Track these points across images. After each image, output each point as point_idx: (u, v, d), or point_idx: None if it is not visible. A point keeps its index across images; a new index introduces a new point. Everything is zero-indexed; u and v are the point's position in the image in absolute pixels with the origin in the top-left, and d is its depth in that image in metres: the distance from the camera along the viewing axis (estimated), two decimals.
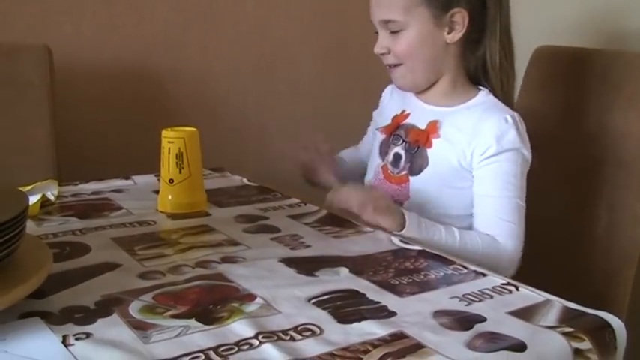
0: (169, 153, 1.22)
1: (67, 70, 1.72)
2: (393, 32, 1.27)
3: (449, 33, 1.26)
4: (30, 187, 1.28)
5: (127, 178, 1.47)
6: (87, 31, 1.81)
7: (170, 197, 1.24)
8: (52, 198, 1.28)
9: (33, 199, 1.21)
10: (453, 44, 1.28)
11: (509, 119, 1.24)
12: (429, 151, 1.29)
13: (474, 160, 1.25)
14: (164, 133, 1.24)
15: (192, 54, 1.98)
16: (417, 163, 1.30)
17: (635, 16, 1.74)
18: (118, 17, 1.85)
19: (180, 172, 1.23)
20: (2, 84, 1.57)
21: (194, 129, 1.26)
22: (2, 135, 1.56)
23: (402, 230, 1.15)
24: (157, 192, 1.37)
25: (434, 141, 1.29)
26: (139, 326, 0.77)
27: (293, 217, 1.23)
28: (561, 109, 1.57)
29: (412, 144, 1.31)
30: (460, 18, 1.25)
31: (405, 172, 1.32)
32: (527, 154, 1.25)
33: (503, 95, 1.29)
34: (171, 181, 1.23)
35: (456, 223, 1.24)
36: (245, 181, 1.50)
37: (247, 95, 2.09)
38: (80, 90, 1.82)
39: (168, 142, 1.22)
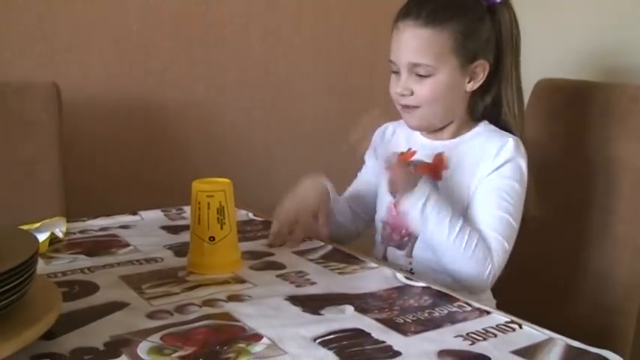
0: (209, 208, 1.11)
1: (75, 107, 1.74)
2: (420, 76, 1.28)
3: (469, 82, 1.30)
4: (38, 224, 1.30)
5: (134, 213, 1.48)
6: (94, 69, 1.84)
7: (211, 257, 1.13)
8: (60, 235, 1.30)
9: (42, 237, 1.23)
10: (468, 92, 1.32)
11: (511, 140, 1.28)
12: (440, 184, 1.31)
13: (480, 180, 1.28)
14: (198, 186, 1.12)
15: (199, 90, 2.01)
16: None
17: (638, 50, 1.76)
18: (125, 54, 1.88)
19: (222, 228, 1.12)
20: (11, 121, 1.59)
21: (228, 180, 1.16)
22: (11, 172, 1.58)
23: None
24: (164, 227, 1.38)
25: (442, 173, 1.31)
26: None
27: (298, 252, 1.24)
28: (563, 142, 1.58)
29: None
30: (482, 69, 1.29)
31: None
32: (524, 166, 1.27)
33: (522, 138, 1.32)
34: (212, 238, 1.12)
35: None
36: (251, 215, 1.51)
37: (253, 130, 2.12)
38: (87, 127, 1.84)
39: (208, 195, 1.11)
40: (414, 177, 1.23)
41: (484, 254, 1.21)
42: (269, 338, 0.86)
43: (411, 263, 1.33)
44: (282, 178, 2.17)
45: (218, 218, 1.11)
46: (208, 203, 1.11)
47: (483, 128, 1.34)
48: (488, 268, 1.21)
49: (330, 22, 2.20)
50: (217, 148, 2.05)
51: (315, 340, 0.86)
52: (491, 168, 1.27)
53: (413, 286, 1.07)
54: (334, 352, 0.82)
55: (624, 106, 1.49)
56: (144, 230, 1.37)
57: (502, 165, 1.26)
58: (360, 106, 2.23)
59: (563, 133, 1.59)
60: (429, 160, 1.34)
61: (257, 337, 0.86)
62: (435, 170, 1.32)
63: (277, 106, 2.15)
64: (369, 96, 2.19)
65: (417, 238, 1.32)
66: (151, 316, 0.93)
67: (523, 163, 1.28)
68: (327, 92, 2.23)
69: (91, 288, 1.04)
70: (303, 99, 2.19)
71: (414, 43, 1.27)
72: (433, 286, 1.07)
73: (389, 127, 1.49)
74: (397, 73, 1.32)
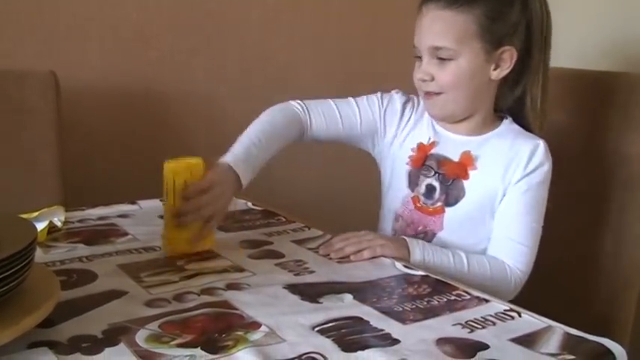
0: (175, 185, 1.14)
1: (74, 96, 1.73)
2: (441, 60, 1.25)
3: (494, 69, 1.26)
4: (37, 213, 1.29)
5: (133, 202, 1.48)
6: (93, 57, 1.83)
7: (176, 231, 1.15)
8: (58, 224, 1.29)
9: (40, 226, 1.22)
10: (495, 81, 1.28)
11: (542, 144, 1.27)
12: (466, 183, 1.29)
13: (507, 185, 1.27)
14: (167, 165, 1.15)
15: (198, 78, 2.00)
16: (452, 194, 1.30)
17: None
18: (123, 43, 1.87)
19: None
20: (9, 110, 1.58)
21: (199, 159, 1.18)
22: (9, 160, 1.57)
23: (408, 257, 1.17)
24: (162, 217, 1.38)
25: (470, 172, 1.29)
26: (145, 356, 0.78)
27: (297, 241, 1.24)
28: (565, 132, 1.57)
29: (447, 176, 1.31)
30: (509, 56, 1.25)
31: (440, 204, 1.31)
32: (550, 169, 1.28)
33: (541, 134, 1.31)
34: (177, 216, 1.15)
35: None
36: (249, 204, 1.51)
37: (253, 118, 2.11)
38: (86, 115, 1.84)
39: (174, 173, 1.14)
40: (398, 241, 1.21)
41: (502, 272, 1.22)
42: (267, 326, 0.86)
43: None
44: (281, 167, 2.18)
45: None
46: (174, 181, 1.14)
47: (508, 127, 1.31)
48: (512, 283, 1.23)
49: (330, 10, 2.19)
50: (217, 137, 2.04)
51: (313, 328, 0.86)
52: (522, 174, 1.26)
53: (412, 275, 1.07)
54: (333, 339, 0.82)
55: (626, 96, 1.48)
56: (142, 219, 1.37)
57: (533, 171, 1.26)
58: (360, 95, 2.23)
59: (565, 123, 1.57)
60: (453, 156, 1.31)
61: (255, 325, 0.86)
62: (462, 169, 1.29)
63: (277, 95, 2.13)
64: (369, 84, 2.18)
65: (434, 235, 1.31)
66: (149, 304, 0.93)
67: (550, 167, 1.28)
68: (328, 81, 2.22)
69: (90, 276, 1.04)
70: (303, 88, 2.18)
71: (435, 26, 1.24)
72: (432, 275, 1.07)
73: (410, 103, 1.40)
74: (420, 58, 1.29)
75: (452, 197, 1.30)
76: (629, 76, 1.53)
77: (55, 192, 1.60)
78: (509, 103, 1.32)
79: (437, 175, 1.32)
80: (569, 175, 1.52)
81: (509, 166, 1.27)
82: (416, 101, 1.40)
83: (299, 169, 2.19)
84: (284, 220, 1.38)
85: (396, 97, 1.40)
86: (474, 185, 1.29)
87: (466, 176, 1.29)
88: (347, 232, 1.23)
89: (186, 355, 0.78)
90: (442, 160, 1.32)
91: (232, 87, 2.06)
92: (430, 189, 1.32)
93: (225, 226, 1.32)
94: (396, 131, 1.39)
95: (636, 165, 1.43)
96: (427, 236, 1.32)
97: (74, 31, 1.80)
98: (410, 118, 1.39)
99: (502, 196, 1.27)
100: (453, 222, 1.30)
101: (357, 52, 2.23)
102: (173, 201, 1.14)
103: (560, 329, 0.87)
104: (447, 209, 1.30)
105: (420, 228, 1.34)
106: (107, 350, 0.79)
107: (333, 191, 2.23)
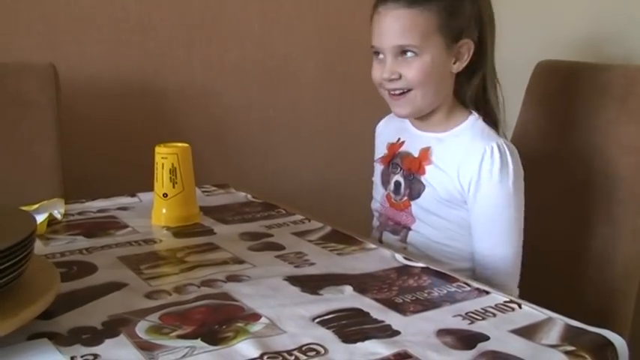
0: (163, 168, 1.26)
1: (73, 89, 1.73)
2: (406, 58, 1.26)
3: (454, 63, 1.29)
4: (37, 206, 1.30)
5: (133, 195, 1.48)
6: (92, 50, 1.83)
7: (164, 211, 1.28)
8: (58, 216, 1.29)
9: (40, 218, 1.22)
10: (453, 74, 1.31)
11: (495, 148, 1.25)
12: (423, 178, 1.32)
13: (464, 189, 1.27)
14: (157, 149, 1.27)
15: (197, 71, 2.00)
16: (415, 188, 1.33)
17: (638, 31, 1.75)
18: (123, 36, 1.87)
19: (173, 187, 1.27)
20: (8, 103, 1.58)
21: (186, 145, 1.29)
22: (9, 153, 1.57)
23: None
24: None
25: (426, 167, 1.31)
26: (145, 347, 0.77)
27: (297, 234, 1.24)
28: (563, 124, 1.58)
29: (407, 171, 1.35)
30: (466, 49, 1.28)
31: (406, 198, 1.35)
32: (516, 173, 1.26)
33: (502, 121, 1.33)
34: (165, 195, 1.27)
35: (462, 239, 1.30)
36: (249, 197, 1.50)
37: (251, 111, 2.11)
38: (86, 108, 1.83)
39: (162, 157, 1.26)
40: None
41: (504, 281, 1.26)
42: (268, 318, 0.86)
43: (405, 248, 1.34)
44: (281, 160, 2.18)
45: (170, 177, 1.26)
46: (163, 164, 1.26)
47: (471, 124, 1.31)
48: (515, 284, 1.27)
49: (329, 3, 2.19)
50: (216, 129, 2.05)
51: (313, 319, 0.86)
52: (476, 181, 1.25)
53: (412, 267, 1.07)
54: (333, 331, 0.82)
55: (623, 87, 1.48)
56: (142, 212, 1.37)
57: (489, 177, 1.24)
58: (359, 88, 2.23)
59: (563, 115, 1.58)
60: (414, 151, 1.35)
61: (255, 317, 0.86)
62: (419, 164, 1.33)
63: (276, 88, 2.14)
64: (368, 77, 2.18)
65: (409, 229, 1.34)
66: (149, 296, 0.93)
67: (511, 165, 1.25)
68: (326, 74, 2.22)
69: (90, 268, 1.04)
70: (301, 80, 2.18)
71: (397, 26, 1.26)
72: (432, 267, 1.07)
73: (382, 121, 1.50)
74: (381, 59, 1.31)
75: (415, 191, 1.33)
76: (626, 68, 1.53)
77: (55, 184, 1.60)
78: (470, 94, 1.33)
79: (402, 171, 1.36)
80: (569, 167, 1.52)
81: (460, 168, 1.27)
82: (387, 116, 1.47)
83: (299, 162, 2.20)
84: (284, 212, 1.38)
85: (376, 131, 1.52)
86: (431, 179, 1.31)
87: (422, 171, 1.32)
88: (346, 225, 1.24)
89: (187, 347, 0.78)
90: (405, 157, 1.36)
91: (231, 80, 2.06)
92: (397, 185, 1.37)
93: (225, 218, 1.32)
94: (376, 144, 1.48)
95: (632, 157, 1.42)
96: (403, 230, 1.35)
97: (73, 24, 1.80)
98: (382, 130, 1.48)
99: (460, 195, 1.28)
100: (421, 214, 1.33)
101: (355, 45, 2.22)
102: (162, 181, 1.27)
103: (560, 320, 0.87)
104: (412, 203, 1.34)
105: (395, 223, 1.37)
106: (107, 341, 0.79)
107: (333, 184, 2.23)
